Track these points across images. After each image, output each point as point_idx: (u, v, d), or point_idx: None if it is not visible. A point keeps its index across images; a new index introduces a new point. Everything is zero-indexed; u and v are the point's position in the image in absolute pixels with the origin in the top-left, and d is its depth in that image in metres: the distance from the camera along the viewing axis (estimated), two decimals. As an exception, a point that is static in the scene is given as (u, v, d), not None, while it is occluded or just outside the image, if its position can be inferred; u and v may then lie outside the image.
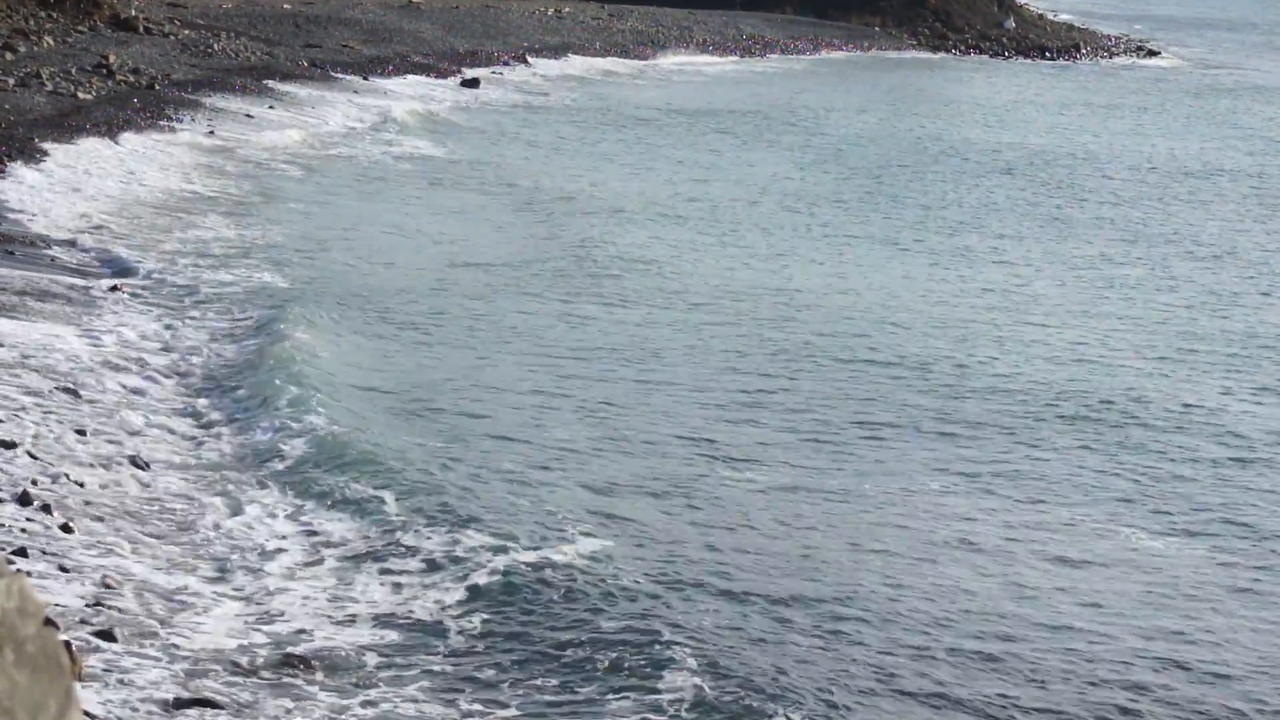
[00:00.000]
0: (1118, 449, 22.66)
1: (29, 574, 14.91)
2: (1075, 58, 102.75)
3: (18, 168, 33.94)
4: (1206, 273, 36.81)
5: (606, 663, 14.79)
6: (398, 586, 16.24)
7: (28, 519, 16.72)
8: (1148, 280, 35.61)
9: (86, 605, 15.08)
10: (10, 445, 18.62)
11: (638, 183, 43.76)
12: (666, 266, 33.14)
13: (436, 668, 14.73)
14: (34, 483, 17.62)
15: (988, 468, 21.52)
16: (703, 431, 22.19)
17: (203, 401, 21.88)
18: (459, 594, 16.16)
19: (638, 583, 16.66)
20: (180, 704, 13.49)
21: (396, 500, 18.51)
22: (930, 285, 33.38)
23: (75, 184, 34.04)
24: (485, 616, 15.74)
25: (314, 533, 17.60)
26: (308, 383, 22.49)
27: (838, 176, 47.93)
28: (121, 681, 13.75)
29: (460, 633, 15.44)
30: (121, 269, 28.50)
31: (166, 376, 22.77)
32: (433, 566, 16.79)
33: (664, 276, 32.16)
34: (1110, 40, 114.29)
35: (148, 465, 19.00)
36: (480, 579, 16.45)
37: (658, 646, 15.09)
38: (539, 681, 14.54)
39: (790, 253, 35.84)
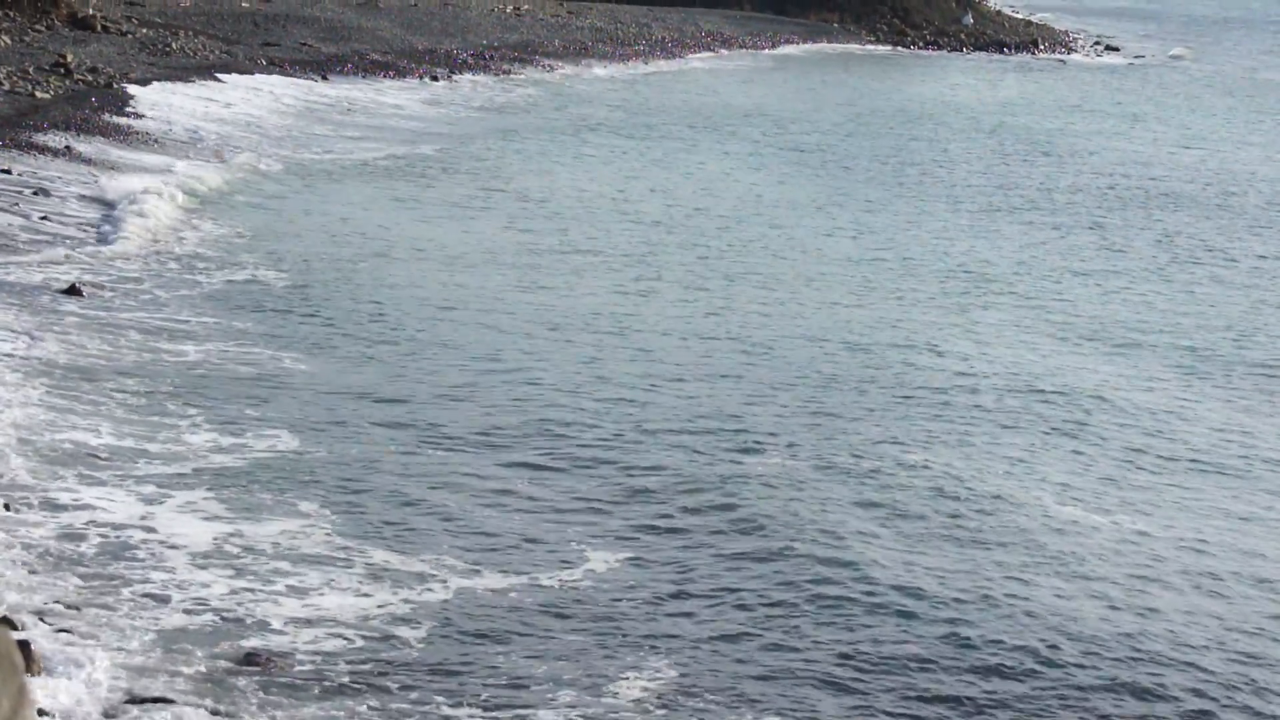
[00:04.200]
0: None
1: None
2: (1034, 53, 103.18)
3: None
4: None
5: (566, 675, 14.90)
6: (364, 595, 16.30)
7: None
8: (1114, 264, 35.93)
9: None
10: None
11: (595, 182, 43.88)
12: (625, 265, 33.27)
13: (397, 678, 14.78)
14: None
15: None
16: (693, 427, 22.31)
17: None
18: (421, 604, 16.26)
19: (610, 595, 16.79)
20: (134, 700, 13.56)
21: (362, 506, 18.64)
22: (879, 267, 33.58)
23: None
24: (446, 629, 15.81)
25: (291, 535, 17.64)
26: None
27: (806, 177, 48.09)
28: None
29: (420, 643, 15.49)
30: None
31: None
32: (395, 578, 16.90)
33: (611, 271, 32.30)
34: (1068, 36, 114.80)
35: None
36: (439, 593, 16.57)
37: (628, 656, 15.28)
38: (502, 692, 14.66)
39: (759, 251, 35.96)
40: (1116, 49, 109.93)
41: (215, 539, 17.25)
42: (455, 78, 62.74)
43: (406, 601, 16.15)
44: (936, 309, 31.23)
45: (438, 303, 28.79)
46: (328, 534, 17.68)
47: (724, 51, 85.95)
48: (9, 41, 49.86)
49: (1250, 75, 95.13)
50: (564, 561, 17.39)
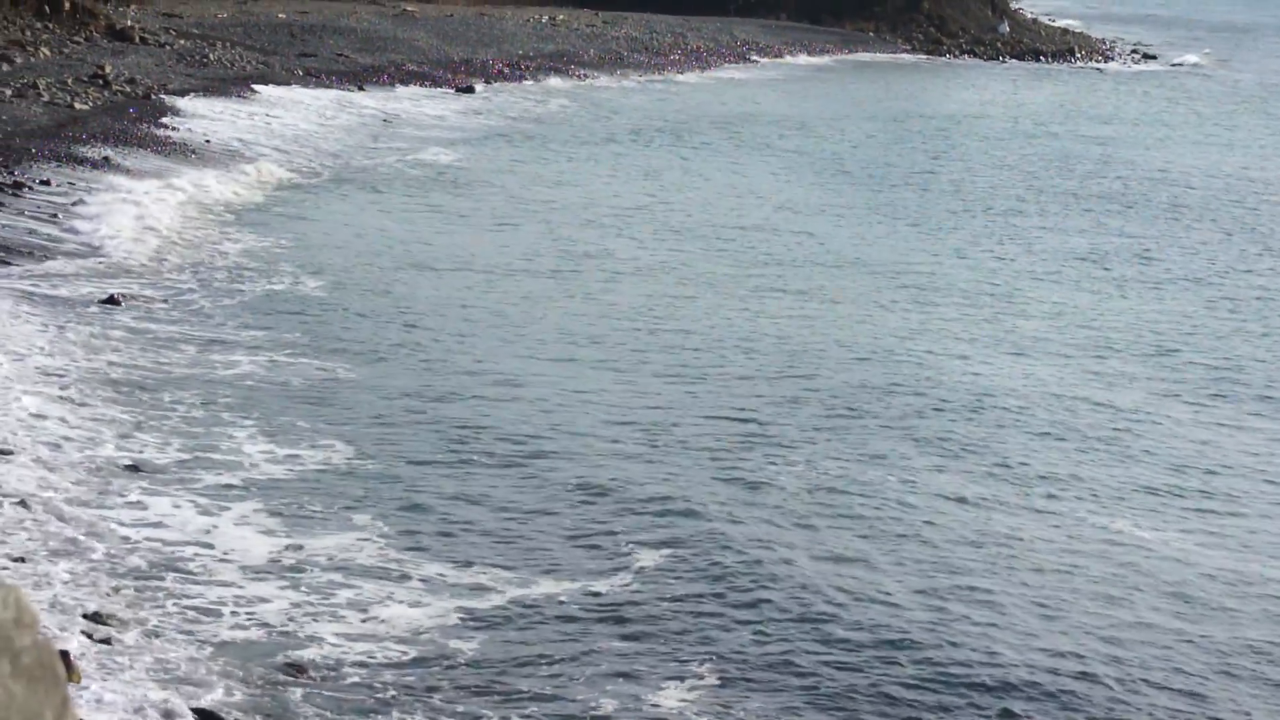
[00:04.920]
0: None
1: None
2: (1070, 61, 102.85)
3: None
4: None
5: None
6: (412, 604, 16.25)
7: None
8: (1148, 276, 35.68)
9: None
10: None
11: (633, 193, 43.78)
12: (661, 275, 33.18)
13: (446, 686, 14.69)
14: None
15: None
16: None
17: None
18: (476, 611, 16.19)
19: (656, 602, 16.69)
20: (176, 713, 13.46)
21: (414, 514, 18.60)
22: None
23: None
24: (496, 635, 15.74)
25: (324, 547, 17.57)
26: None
27: (845, 185, 47.92)
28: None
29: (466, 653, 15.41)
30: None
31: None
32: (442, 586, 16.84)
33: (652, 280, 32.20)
34: (1105, 44, 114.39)
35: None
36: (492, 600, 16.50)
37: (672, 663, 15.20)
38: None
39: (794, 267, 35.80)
40: (1154, 56, 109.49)
41: (269, 551, 17.19)
42: (492, 86, 62.73)
43: (458, 611, 16.07)
44: (966, 321, 30.99)
45: (480, 312, 28.72)
46: (381, 546, 17.60)
47: (760, 60, 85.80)
48: (48, 53, 50.01)
49: (1267, 81, 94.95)
50: (613, 569, 17.28)
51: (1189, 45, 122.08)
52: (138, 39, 56.39)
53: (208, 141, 42.25)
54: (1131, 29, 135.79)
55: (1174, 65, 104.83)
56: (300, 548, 17.35)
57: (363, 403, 22.73)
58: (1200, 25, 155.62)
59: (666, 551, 17.81)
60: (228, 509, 18.22)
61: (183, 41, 58.68)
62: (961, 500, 20.32)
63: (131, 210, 33.53)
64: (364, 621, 15.71)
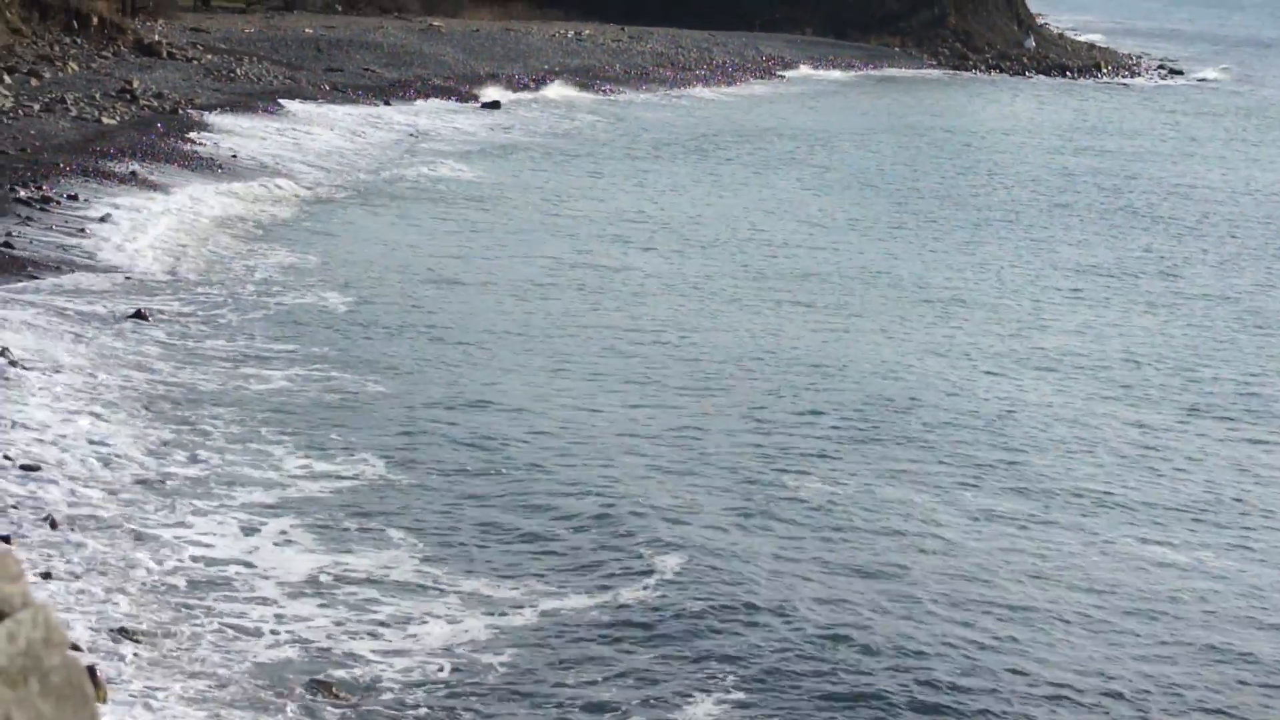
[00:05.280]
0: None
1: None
2: (1097, 76, 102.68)
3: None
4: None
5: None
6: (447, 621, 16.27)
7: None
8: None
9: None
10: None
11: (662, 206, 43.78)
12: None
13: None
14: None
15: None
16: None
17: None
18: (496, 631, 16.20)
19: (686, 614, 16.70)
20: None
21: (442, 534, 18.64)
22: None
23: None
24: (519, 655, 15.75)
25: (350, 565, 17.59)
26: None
27: (870, 201, 47.89)
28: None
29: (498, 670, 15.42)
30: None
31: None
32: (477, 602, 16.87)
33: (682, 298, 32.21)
34: (1132, 59, 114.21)
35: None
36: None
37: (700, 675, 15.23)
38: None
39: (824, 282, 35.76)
40: (1180, 72, 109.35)
41: (307, 569, 17.20)
42: (518, 100, 62.80)
43: (490, 627, 16.08)
44: (989, 337, 30.94)
45: (507, 326, 28.75)
46: (417, 563, 17.63)
47: (785, 75, 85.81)
48: (76, 68, 50.20)
49: None
50: (640, 583, 17.27)
51: (1213, 60, 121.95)
52: (165, 54, 56.58)
53: (234, 156, 42.36)
54: (1156, 43, 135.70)
55: (1199, 81, 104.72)
56: (337, 565, 17.36)
57: (394, 417, 22.76)
58: (1225, 40, 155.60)
59: (691, 564, 17.79)
60: (265, 524, 18.25)
61: (210, 56, 58.88)
62: (987, 515, 20.27)
63: (159, 225, 33.63)
64: (401, 638, 15.73)
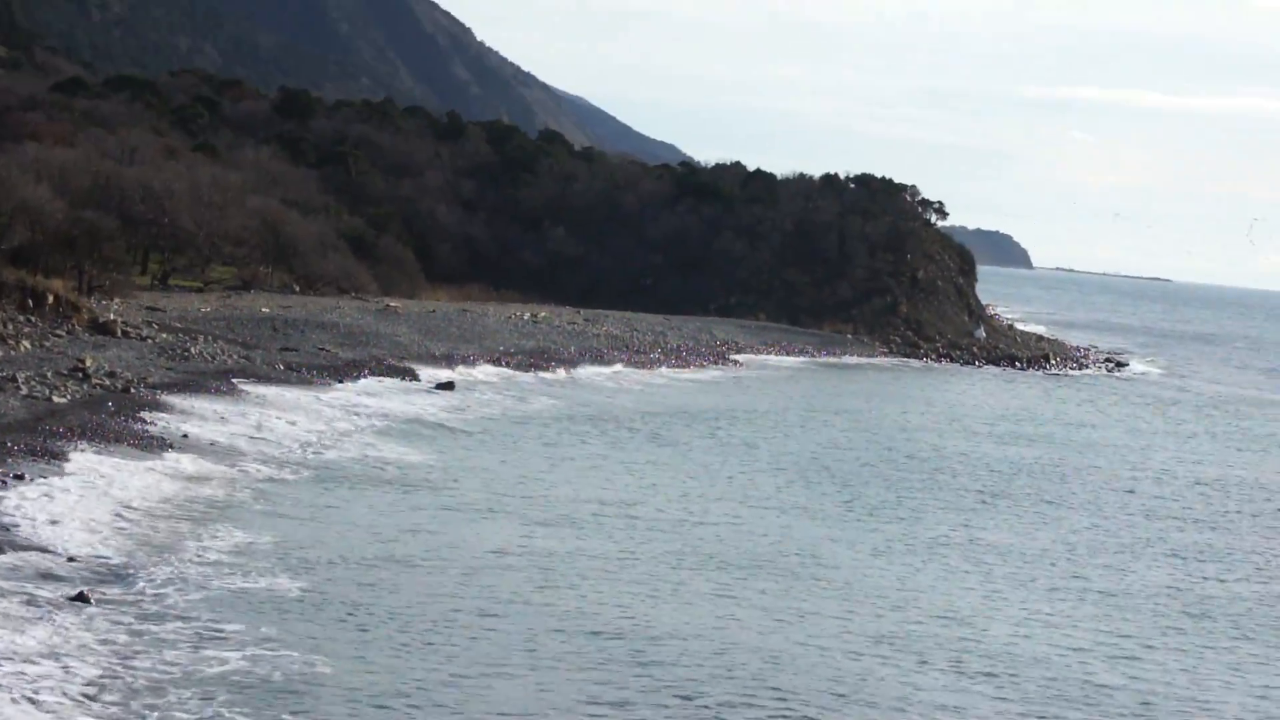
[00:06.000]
0: None
1: None
2: (1045, 367, 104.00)
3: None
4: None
5: None
6: None
7: None
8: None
9: None
10: None
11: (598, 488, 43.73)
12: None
13: None
14: None
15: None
16: None
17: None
18: None
19: None
20: None
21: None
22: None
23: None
24: None
25: None
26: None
27: (816, 485, 47.95)
28: None
29: None
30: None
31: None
32: None
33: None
34: (1079, 351, 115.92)
35: None
36: None
37: None
38: None
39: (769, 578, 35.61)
40: (1125, 364, 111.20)
41: None
42: (473, 381, 62.99)
43: None
44: (929, 641, 30.76)
45: (459, 607, 28.51)
46: None
47: (738, 360, 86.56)
48: (29, 346, 50.22)
49: (1238, 393, 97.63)
50: None
51: (1156, 352, 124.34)
52: (120, 332, 56.74)
53: (185, 436, 42.16)
54: (1105, 336, 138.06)
55: (1142, 373, 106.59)
56: None
57: (347, 698, 22.36)
58: (1169, 334, 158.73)
59: None
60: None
61: (165, 335, 59.03)
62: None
63: (107, 503, 33.33)
64: None
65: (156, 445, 40.38)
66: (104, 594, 26.80)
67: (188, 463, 39.24)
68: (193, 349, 56.90)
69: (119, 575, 28.33)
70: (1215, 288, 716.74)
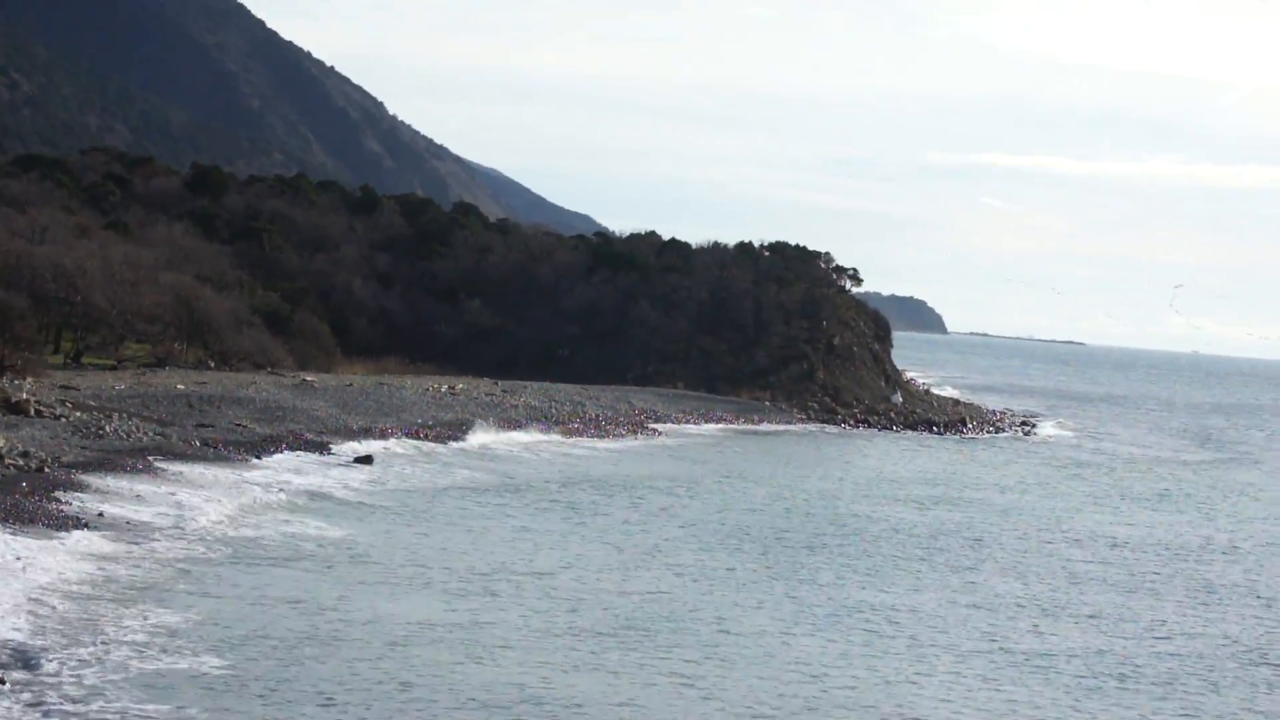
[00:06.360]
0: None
1: None
2: (961, 431, 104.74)
3: None
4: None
5: None
6: None
7: None
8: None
9: None
10: None
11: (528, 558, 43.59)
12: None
13: None
14: None
15: None
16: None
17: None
18: None
19: None
20: None
21: None
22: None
23: None
24: None
25: None
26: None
27: (731, 551, 47.97)
28: None
29: None
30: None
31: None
32: None
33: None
34: (995, 414, 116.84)
35: None
36: None
37: None
38: None
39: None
40: (1040, 427, 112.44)
41: None
42: (391, 453, 62.68)
43: None
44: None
45: (381, 680, 28.28)
46: None
47: (657, 428, 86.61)
48: (-59, 425, 49.55)
49: (1150, 454, 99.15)
50: None
51: (1068, 415, 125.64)
52: (33, 411, 56.11)
53: (101, 515, 41.68)
54: (1020, 399, 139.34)
55: (1056, 435, 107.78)
56: None
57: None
58: (1081, 396, 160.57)
59: None
60: None
61: (79, 414, 58.42)
62: None
63: (21, 585, 32.84)
64: None
65: (72, 524, 39.89)
66: (17, 678, 26.38)
67: (104, 542, 38.77)
68: (108, 427, 56.32)
69: (33, 658, 27.89)
70: (1128, 350, 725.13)
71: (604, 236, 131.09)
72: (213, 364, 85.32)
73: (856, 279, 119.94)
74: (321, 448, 61.60)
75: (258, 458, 56.95)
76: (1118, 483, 79.72)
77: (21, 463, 46.39)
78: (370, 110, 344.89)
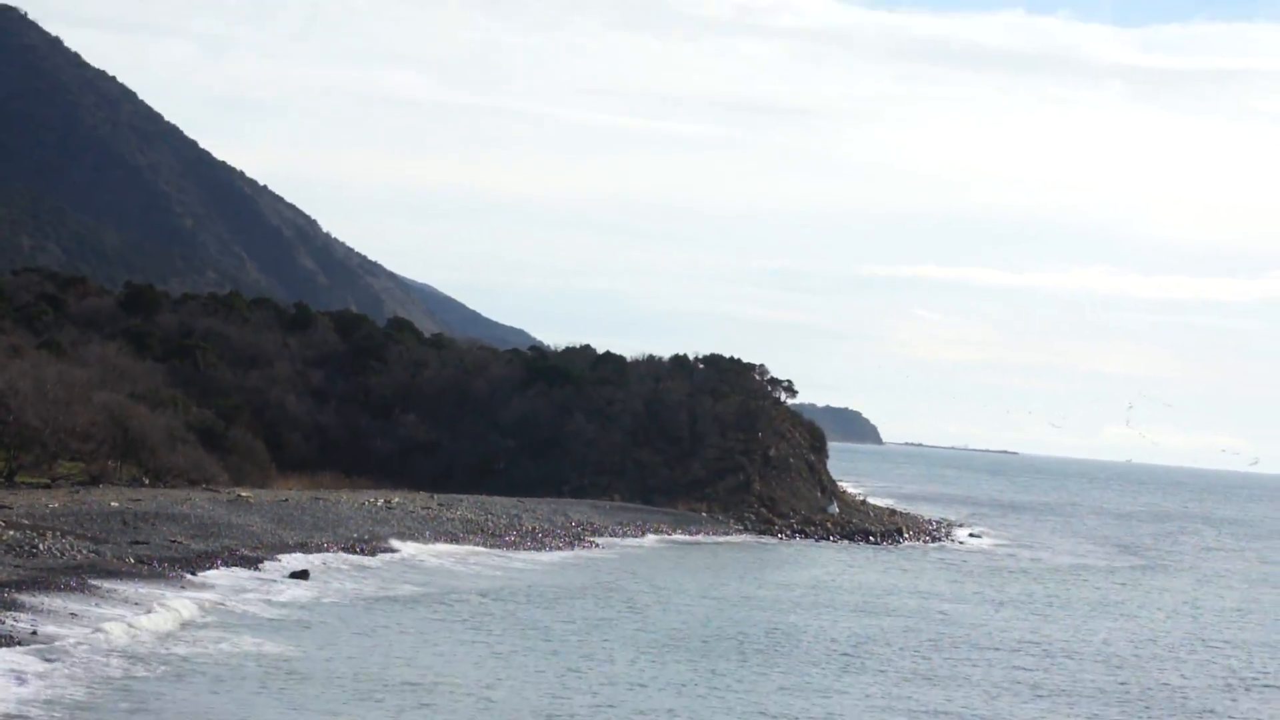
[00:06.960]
0: None
1: None
2: (898, 541, 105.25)
3: None
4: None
5: None
6: None
7: None
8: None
9: None
10: None
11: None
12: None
13: None
14: None
15: None
16: None
17: None
18: None
19: None
20: None
21: None
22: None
23: None
24: None
25: None
26: None
27: (667, 662, 48.03)
28: None
29: None
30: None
31: None
32: None
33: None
34: (931, 524, 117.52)
35: None
36: None
37: None
38: None
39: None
40: (976, 536, 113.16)
41: None
42: (328, 567, 62.44)
43: None
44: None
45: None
46: None
47: (594, 540, 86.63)
48: (-128, 545, 49.13)
49: (1083, 563, 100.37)
50: None
51: (1002, 524, 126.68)
52: (-34, 530, 55.66)
53: (34, 634, 41.39)
54: (954, 507, 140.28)
55: (989, 545, 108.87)
56: None
57: None
58: (1015, 505, 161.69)
59: None
60: None
61: (12, 532, 57.97)
62: None
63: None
64: None
65: (5, 643, 39.58)
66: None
67: (37, 662, 38.47)
68: (41, 545, 55.94)
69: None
70: (1061, 460, 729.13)
71: (539, 350, 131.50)
72: (147, 481, 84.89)
73: (791, 390, 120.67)
74: (257, 563, 61.34)
75: (193, 574, 56.64)
76: (1051, 590, 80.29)
77: (-46, 582, 46.03)
78: (303, 228, 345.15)
